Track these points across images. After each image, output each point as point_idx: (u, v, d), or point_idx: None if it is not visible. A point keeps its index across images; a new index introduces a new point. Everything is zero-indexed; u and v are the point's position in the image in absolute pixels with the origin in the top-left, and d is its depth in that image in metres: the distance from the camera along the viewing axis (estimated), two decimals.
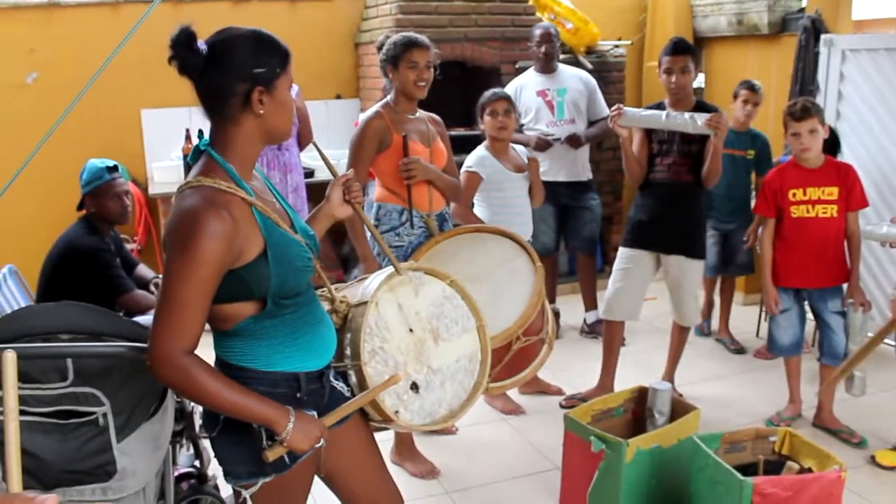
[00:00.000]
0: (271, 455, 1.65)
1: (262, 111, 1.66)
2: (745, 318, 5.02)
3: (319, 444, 1.72)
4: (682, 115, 3.49)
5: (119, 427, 1.89)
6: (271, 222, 1.69)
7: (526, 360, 2.93)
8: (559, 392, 4.03)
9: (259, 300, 1.68)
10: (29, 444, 1.76)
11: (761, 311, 4.76)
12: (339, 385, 1.95)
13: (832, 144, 3.92)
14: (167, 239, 1.62)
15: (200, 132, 1.75)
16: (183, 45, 1.59)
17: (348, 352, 1.94)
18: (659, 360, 4.07)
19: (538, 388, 4.04)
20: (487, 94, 3.75)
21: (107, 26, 4.91)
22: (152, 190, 4.99)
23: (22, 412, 1.71)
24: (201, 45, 1.62)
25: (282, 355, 1.72)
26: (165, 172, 5.01)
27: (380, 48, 3.17)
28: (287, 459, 1.71)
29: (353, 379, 1.94)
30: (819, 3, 5.00)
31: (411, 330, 2.06)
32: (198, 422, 2.41)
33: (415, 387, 2.03)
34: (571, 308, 5.22)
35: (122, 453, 1.90)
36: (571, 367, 4.37)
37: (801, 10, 5.28)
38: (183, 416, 2.32)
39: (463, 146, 4.09)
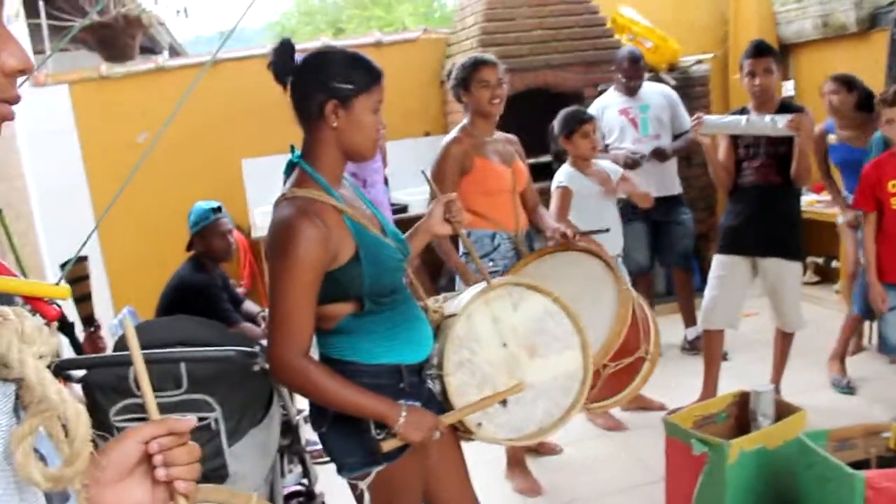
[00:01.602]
0: (386, 446, 1.75)
1: (335, 124, 1.78)
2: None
3: (436, 436, 1.80)
4: (761, 119, 3.45)
5: (230, 432, 2.01)
6: (362, 227, 1.80)
7: (628, 377, 2.87)
8: (662, 408, 3.96)
9: (355, 299, 1.79)
10: None
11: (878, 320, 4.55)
12: (433, 387, 2.02)
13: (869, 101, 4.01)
14: (268, 250, 1.76)
15: (292, 146, 1.88)
16: (281, 53, 1.76)
17: (435, 361, 1.99)
18: (762, 371, 3.95)
19: (640, 404, 3.99)
20: (573, 115, 3.66)
21: (207, 83, 5.25)
22: (255, 234, 5.26)
23: (131, 420, 1.85)
24: (298, 58, 1.78)
25: (383, 348, 1.82)
26: (267, 217, 5.20)
27: (449, 76, 3.25)
28: (395, 449, 1.79)
29: (437, 387, 1.98)
30: None
31: (505, 344, 2.03)
32: (304, 434, 2.53)
33: (503, 401, 2.02)
34: (671, 326, 5.12)
35: (233, 458, 2.02)
36: (673, 383, 4.28)
37: (891, 3, 5.12)
38: (290, 429, 2.44)
39: (550, 174, 4.09)
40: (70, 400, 0.75)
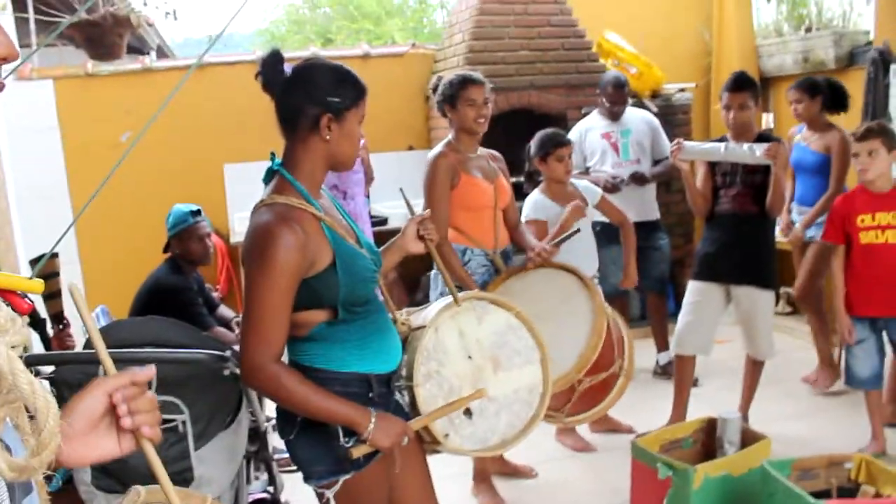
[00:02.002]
0: (356, 452, 1.76)
1: (328, 137, 1.80)
2: None
3: (404, 443, 1.81)
4: (740, 147, 3.51)
5: (197, 435, 2.01)
6: (339, 236, 1.82)
7: (603, 392, 2.91)
8: (630, 430, 3.98)
9: (330, 307, 1.80)
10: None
11: (840, 346, 4.62)
12: (401, 399, 2.04)
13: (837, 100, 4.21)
14: (246, 254, 1.77)
15: (272, 154, 1.90)
16: (270, 64, 1.79)
17: (404, 372, 2.01)
18: (732, 399, 3.98)
19: (609, 426, 4.01)
20: (549, 138, 3.64)
21: (194, 86, 5.25)
22: (234, 239, 5.25)
23: None
24: (287, 68, 1.80)
25: (354, 357, 1.83)
26: (246, 223, 5.24)
27: (434, 90, 3.26)
28: (362, 458, 1.80)
29: (406, 398, 2.01)
30: (887, 34, 4.96)
31: (470, 357, 2.08)
32: (271, 442, 2.52)
33: (468, 412, 2.06)
34: (644, 350, 5.15)
35: (199, 461, 2.01)
36: (643, 406, 4.31)
37: (869, 42, 5.24)
38: (258, 435, 2.43)
39: (523, 194, 4.11)
40: (40, 391, 0.76)
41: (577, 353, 2.72)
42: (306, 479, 1.90)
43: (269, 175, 1.89)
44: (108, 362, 1.02)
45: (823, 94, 4.25)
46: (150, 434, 0.99)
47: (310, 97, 1.80)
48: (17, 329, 0.77)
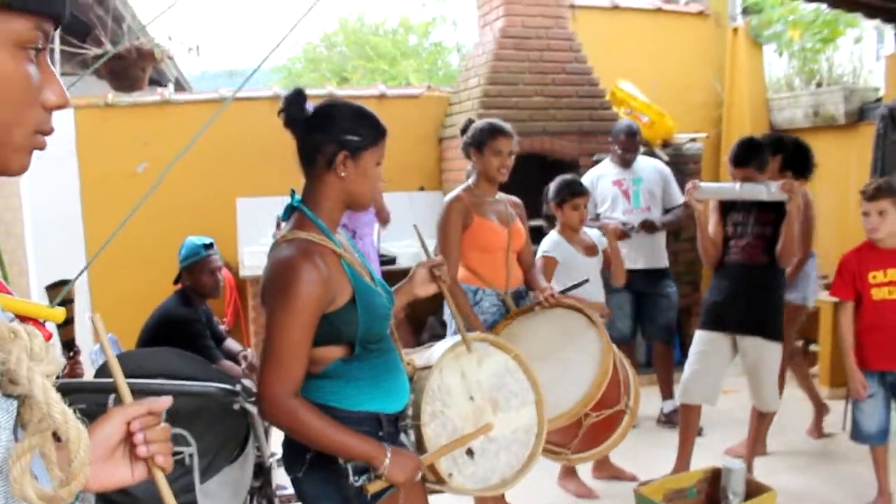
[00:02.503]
0: (372, 488, 1.77)
1: (344, 174, 1.84)
2: (831, 413, 4.84)
3: (418, 477, 1.83)
4: (755, 185, 3.54)
5: (203, 469, 2.01)
6: (357, 273, 1.84)
7: (608, 430, 2.92)
8: (633, 478, 3.95)
9: (346, 344, 1.82)
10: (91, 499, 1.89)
11: (847, 401, 4.59)
12: (405, 439, 2.04)
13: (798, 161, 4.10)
14: (267, 289, 1.79)
15: (293, 191, 1.93)
16: (293, 102, 1.83)
17: (410, 412, 2.03)
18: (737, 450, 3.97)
19: (612, 472, 3.99)
20: (567, 185, 3.71)
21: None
22: (242, 273, 5.29)
23: None
24: (309, 106, 1.84)
25: (366, 395, 1.85)
26: (256, 257, 5.31)
27: (463, 131, 3.31)
28: (370, 496, 1.80)
29: (411, 437, 2.03)
30: None
31: (472, 398, 2.13)
32: (275, 478, 2.52)
33: (470, 452, 2.09)
34: (648, 398, 5.13)
35: (204, 495, 2.02)
36: (646, 454, 4.29)
37: (878, 99, 5.30)
38: (262, 471, 2.43)
39: (541, 236, 4.15)
40: (73, 421, 0.78)
41: (584, 388, 2.76)
42: None
43: (289, 211, 1.92)
44: (125, 391, 1.05)
45: (785, 152, 4.15)
46: (162, 463, 1.02)
47: (328, 134, 1.84)
48: (51, 358, 0.79)
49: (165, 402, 1.04)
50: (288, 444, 1.90)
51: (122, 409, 1.02)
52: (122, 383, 1.04)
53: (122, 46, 5.18)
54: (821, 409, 4.59)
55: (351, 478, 1.81)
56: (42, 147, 0.83)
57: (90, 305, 5.26)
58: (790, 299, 4.16)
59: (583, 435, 2.81)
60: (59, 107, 0.83)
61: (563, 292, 3.16)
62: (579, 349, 2.98)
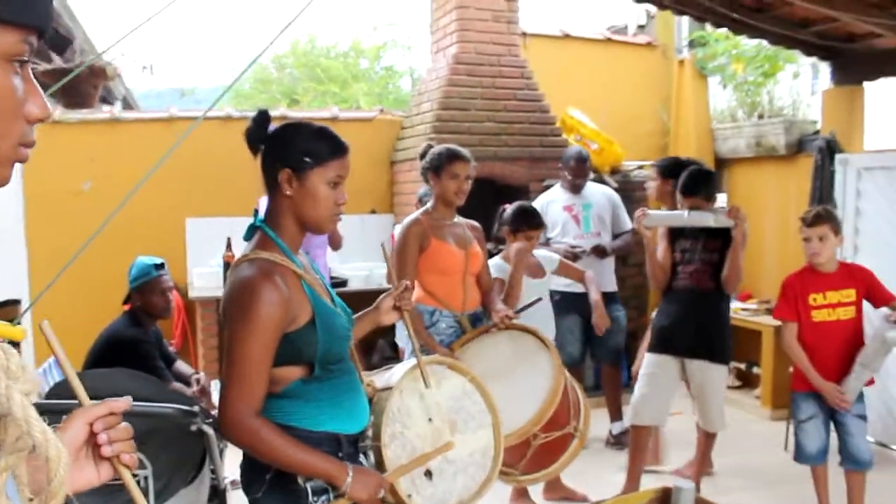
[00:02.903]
0: None
1: (289, 192, 1.84)
2: (774, 433, 4.97)
3: (380, 495, 1.82)
4: (702, 213, 3.65)
5: (158, 491, 1.98)
6: (317, 294, 1.85)
7: (557, 453, 2.96)
8: (584, 499, 3.99)
9: (306, 364, 1.82)
10: (75, 501, 1.85)
11: (789, 423, 4.73)
12: (365, 461, 2.04)
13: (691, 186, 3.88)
14: (227, 309, 1.78)
15: (256, 211, 1.93)
16: (259, 123, 1.84)
17: (370, 433, 2.03)
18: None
19: (563, 494, 4.02)
20: (524, 215, 3.73)
21: (161, 139, 5.26)
22: (192, 294, 5.21)
23: None
24: (272, 128, 1.85)
25: (326, 416, 1.84)
26: (205, 278, 5.24)
27: (422, 156, 3.38)
28: None
29: (371, 459, 2.03)
30: (833, 124, 5.24)
31: (430, 419, 2.15)
32: (230, 499, 2.48)
33: (429, 474, 2.11)
34: (597, 420, 5.18)
35: None
36: (596, 475, 4.34)
37: (817, 132, 5.52)
38: (216, 493, 2.40)
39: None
40: (53, 440, 0.77)
41: (535, 408, 2.79)
42: None
43: (251, 231, 1.92)
44: (83, 395, 1.04)
45: (676, 177, 3.97)
46: (128, 461, 1.03)
47: (277, 153, 1.86)
48: (27, 377, 0.78)
49: (126, 402, 1.05)
50: (248, 464, 1.88)
51: (84, 410, 1.02)
52: (79, 386, 1.04)
53: (65, 58, 5.09)
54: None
55: (310, 498, 1.80)
56: (24, 159, 0.83)
57: (31, 326, 5.10)
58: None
59: (531, 456, 2.83)
60: (41, 119, 0.83)
61: (518, 312, 3.20)
62: (531, 370, 3.02)
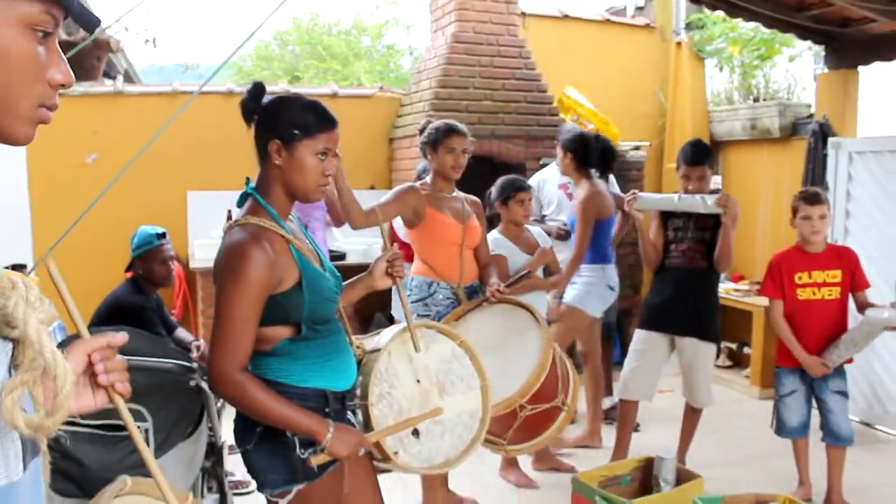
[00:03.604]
0: (315, 461, 1.86)
1: (278, 162, 1.94)
2: (761, 412, 5.07)
3: (361, 453, 1.92)
4: (693, 197, 3.72)
5: (158, 444, 2.07)
6: (305, 258, 1.94)
7: (544, 425, 3.04)
8: (572, 470, 4.09)
9: (294, 324, 1.92)
10: (76, 451, 1.95)
11: (776, 402, 4.83)
12: (353, 418, 2.14)
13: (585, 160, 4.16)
14: (218, 270, 1.87)
15: (248, 179, 2.01)
16: (253, 94, 1.93)
17: (358, 392, 2.13)
18: (671, 445, 4.10)
19: (552, 465, 4.13)
20: (511, 182, 3.87)
21: (164, 112, 5.33)
22: (193, 265, 5.30)
23: (71, 423, 1.91)
24: (266, 99, 1.93)
25: (312, 373, 1.94)
26: (206, 250, 5.32)
27: (421, 131, 3.45)
28: (317, 468, 1.89)
29: (359, 417, 2.13)
30: (826, 108, 5.30)
31: (418, 381, 2.24)
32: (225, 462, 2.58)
33: (416, 433, 2.19)
34: None
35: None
36: (586, 450, 4.45)
37: (810, 115, 5.59)
38: (214, 451, 2.50)
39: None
40: (61, 360, 0.86)
41: (523, 379, 2.87)
42: (260, 488, 1.98)
43: (243, 198, 2.01)
44: (83, 327, 1.13)
45: (573, 151, 4.22)
46: (122, 390, 1.12)
47: (268, 124, 1.95)
48: (44, 308, 0.87)
49: (122, 336, 1.13)
50: (240, 419, 1.98)
51: (83, 342, 1.11)
52: (80, 319, 1.12)
53: (69, 30, 5.14)
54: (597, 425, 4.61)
55: (298, 450, 1.90)
56: (46, 120, 0.92)
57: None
58: (567, 301, 4.25)
59: (518, 426, 2.92)
60: (64, 85, 0.92)
61: (508, 286, 3.29)
62: (522, 343, 3.10)
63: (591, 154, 4.21)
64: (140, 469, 2.06)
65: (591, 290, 4.30)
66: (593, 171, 4.31)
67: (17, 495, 0.89)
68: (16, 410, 0.84)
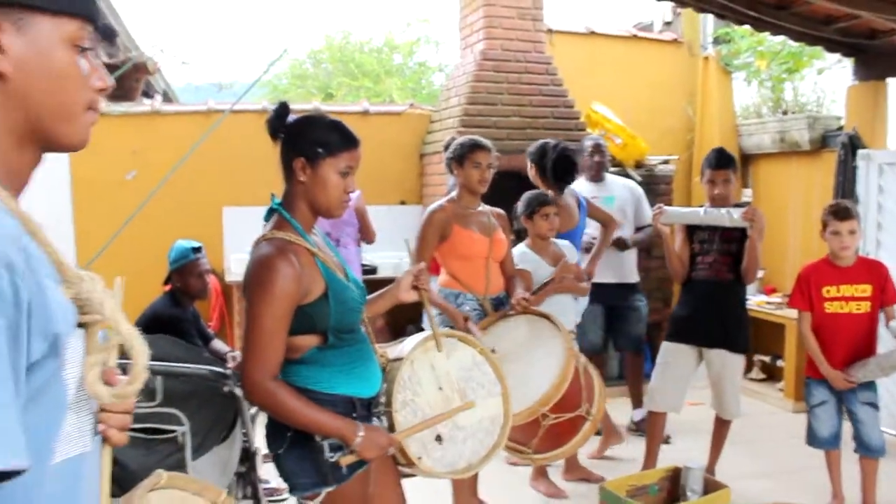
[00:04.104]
0: (344, 461, 1.94)
1: (302, 179, 2.03)
2: (794, 425, 5.04)
3: (389, 453, 1.99)
4: (718, 211, 3.75)
5: (195, 447, 2.16)
6: (330, 270, 2.02)
7: (569, 434, 3.08)
8: (601, 480, 4.11)
9: (321, 334, 2.00)
10: (117, 454, 2.04)
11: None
12: (378, 424, 2.21)
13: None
14: (247, 283, 1.97)
15: (273, 195, 2.11)
16: (277, 114, 2.02)
17: (383, 399, 2.20)
18: (701, 457, 4.10)
19: (581, 475, 4.15)
20: (536, 197, 3.92)
21: (199, 131, 5.48)
22: (228, 278, 5.43)
23: None
24: (291, 118, 2.03)
25: (339, 380, 2.02)
26: (242, 264, 5.42)
27: (447, 147, 3.55)
28: (345, 471, 1.97)
29: (384, 423, 2.19)
30: (856, 120, 5.28)
31: (441, 388, 2.29)
32: (261, 462, 2.66)
33: (439, 438, 2.25)
34: (620, 408, 5.33)
35: (195, 472, 2.16)
36: (616, 460, 4.47)
37: (840, 127, 5.57)
38: (248, 456, 2.58)
39: None
40: (136, 335, 0.96)
41: (544, 388, 2.91)
42: (291, 491, 2.06)
43: (270, 213, 2.10)
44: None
45: (535, 162, 4.27)
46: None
47: (294, 143, 2.04)
48: (112, 294, 0.98)
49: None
50: (271, 424, 2.06)
51: None
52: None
53: (110, 53, 5.33)
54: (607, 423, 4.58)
55: (327, 454, 1.97)
56: (94, 121, 1.03)
57: None
58: None
59: (542, 435, 2.95)
60: (104, 89, 1.05)
61: (534, 293, 3.34)
62: (544, 353, 3.12)
63: (548, 163, 4.20)
64: (178, 471, 2.15)
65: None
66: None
67: (87, 465, 0.99)
68: (97, 383, 0.94)
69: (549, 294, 3.67)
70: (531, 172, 4.34)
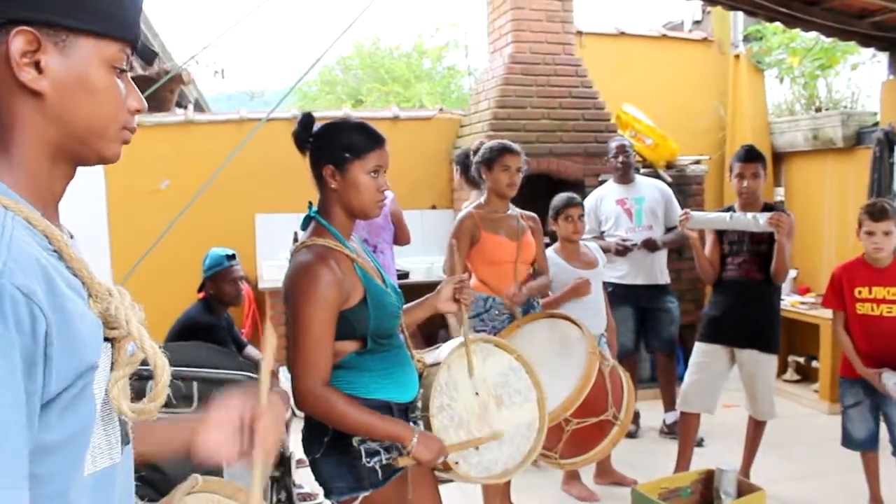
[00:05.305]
0: (402, 462, 1.97)
1: (334, 186, 2.06)
2: (830, 427, 4.96)
3: (442, 458, 2.02)
4: (745, 216, 3.72)
5: None
6: (369, 275, 2.05)
7: (597, 438, 3.07)
8: (634, 483, 4.09)
9: (360, 339, 2.03)
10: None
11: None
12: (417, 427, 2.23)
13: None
14: (289, 291, 1.99)
15: (310, 203, 2.14)
16: (303, 125, 2.04)
17: (419, 404, 2.21)
18: (734, 460, 4.07)
19: (614, 478, 4.14)
20: (562, 199, 3.90)
21: (231, 139, 5.58)
22: (261, 285, 5.50)
23: None
24: (317, 128, 2.06)
25: (378, 385, 2.05)
26: (274, 270, 5.52)
27: (475, 151, 3.56)
28: (381, 476, 1.99)
29: (421, 428, 2.19)
30: (891, 116, 5.20)
31: (477, 393, 2.30)
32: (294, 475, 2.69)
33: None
34: (652, 410, 5.30)
35: (231, 476, 2.19)
36: (648, 462, 4.44)
37: (875, 123, 5.48)
38: (283, 461, 2.62)
39: None
40: (160, 353, 0.99)
41: (565, 395, 2.91)
42: (327, 495, 2.09)
43: (307, 221, 2.13)
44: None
45: (460, 164, 4.21)
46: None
47: (320, 151, 2.07)
48: (137, 311, 1.00)
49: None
50: (307, 429, 2.09)
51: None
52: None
53: (144, 65, 5.42)
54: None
55: (363, 459, 2.00)
56: (128, 141, 1.07)
57: None
58: None
59: (567, 440, 2.95)
60: (139, 110, 1.07)
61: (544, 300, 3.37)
62: (568, 356, 3.13)
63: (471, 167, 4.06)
64: (216, 475, 2.19)
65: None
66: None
67: (116, 476, 1.01)
68: (122, 399, 0.97)
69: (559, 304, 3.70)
70: (456, 176, 4.35)
